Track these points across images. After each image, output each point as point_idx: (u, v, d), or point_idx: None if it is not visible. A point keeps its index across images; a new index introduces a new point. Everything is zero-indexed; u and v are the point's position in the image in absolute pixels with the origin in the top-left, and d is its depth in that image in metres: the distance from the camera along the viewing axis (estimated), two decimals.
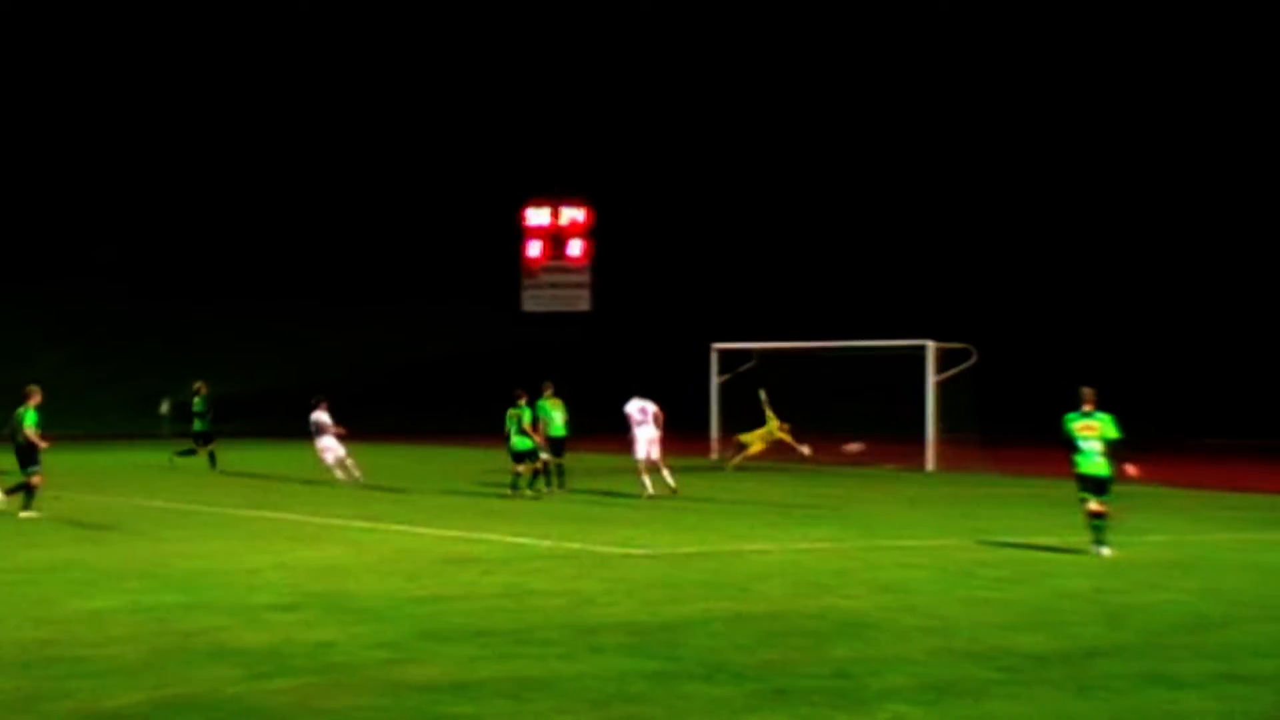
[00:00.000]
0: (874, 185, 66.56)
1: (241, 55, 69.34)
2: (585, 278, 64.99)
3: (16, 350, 56.75)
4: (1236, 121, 61.06)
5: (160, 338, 63.94)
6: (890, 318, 47.33)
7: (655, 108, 69.09)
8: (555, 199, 65.23)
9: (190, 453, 33.82)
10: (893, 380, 35.08)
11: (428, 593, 14.94)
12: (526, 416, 26.63)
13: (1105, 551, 18.06)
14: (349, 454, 29.36)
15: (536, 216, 65.30)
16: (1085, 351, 52.39)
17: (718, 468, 34.18)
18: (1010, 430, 38.86)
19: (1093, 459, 18.28)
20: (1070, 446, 18.39)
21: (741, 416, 36.09)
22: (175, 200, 69.01)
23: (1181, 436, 46.37)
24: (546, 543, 19.40)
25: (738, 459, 33.74)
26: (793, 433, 33.26)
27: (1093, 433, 18.30)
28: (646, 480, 26.15)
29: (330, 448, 29.24)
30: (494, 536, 20.14)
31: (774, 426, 33.20)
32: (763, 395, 33.33)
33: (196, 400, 34.40)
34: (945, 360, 35.25)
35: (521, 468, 26.72)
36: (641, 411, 26.39)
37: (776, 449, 33.64)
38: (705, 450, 37.22)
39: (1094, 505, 18.30)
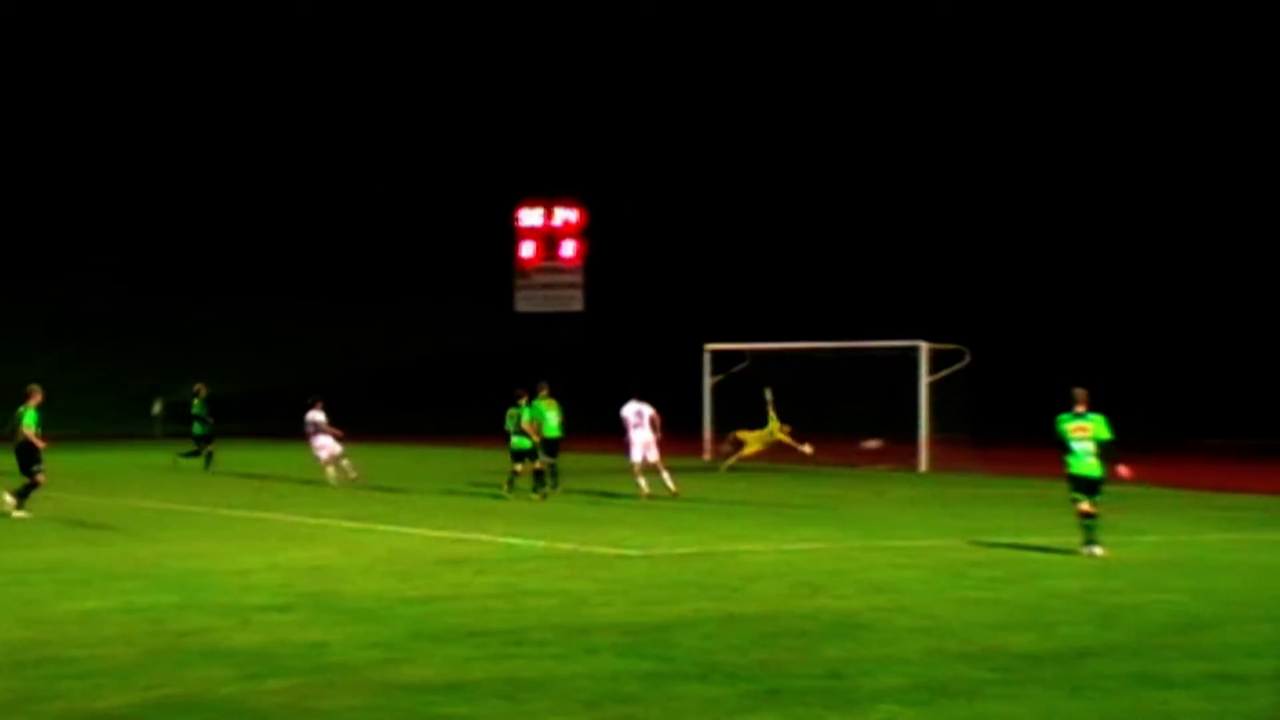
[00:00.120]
0: (867, 186, 66.62)
1: (234, 55, 69.29)
2: (578, 278, 64.99)
3: (14, 350, 56.68)
4: (1229, 122, 61.18)
5: (155, 338, 63.90)
6: (883, 318, 47.38)
7: (648, 108, 69.11)
8: (548, 199, 65.22)
9: (194, 454, 33.61)
10: (886, 381, 35.11)
11: (421, 593, 14.94)
12: (526, 415, 26.66)
13: (1097, 551, 18.09)
14: (345, 454, 29.39)
15: (530, 217, 65.29)
16: (1077, 352, 52.47)
17: (711, 468, 34.18)
18: (1003, 431, 38.92)
19: (1084, 460, 18.32)
20: (1063, 447, 18.43)
21: (735, 417, 36.11)
22: (172, 201, 68.95)
23: (1173, 437, 46.45)
24: (540, 543, 19.40)
25: (733, 459, 33.75)
26: (791, 434, 33.27)
27: (1085, 434, 18.34)
28: (642, 481, 26.15)
29: (325, 446, 29.29)
30: (487, 537, 20.14)
31: (774, 428, 33.21)
32: (768, 395, 33.29)
33: (196, 402, 34.24)
34: (938, 361, 35.29)
35: (519, 467, 26.75)
36: (637, 415, 26.36)
37: (778, 450, 33.66)
38: (698, 451, 37.23)
39: (1085, 506, 18.34)
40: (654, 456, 26.20)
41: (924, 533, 21.05)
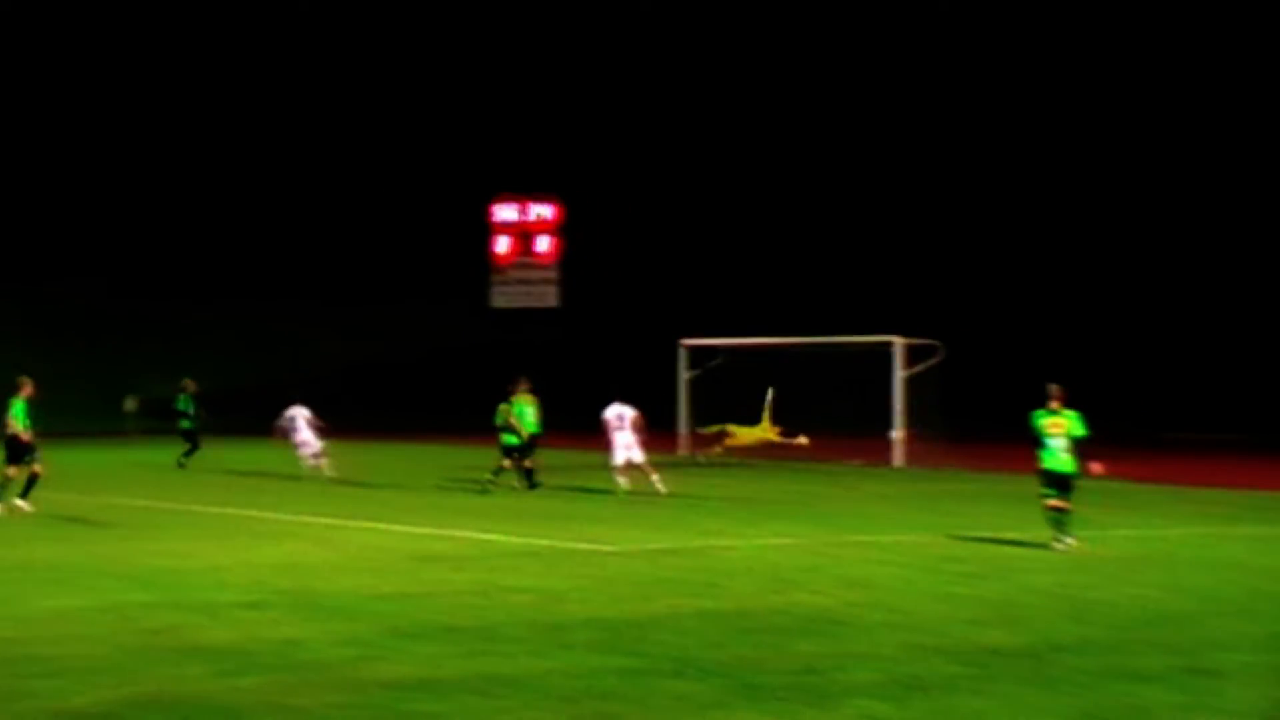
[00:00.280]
0: (842, 182, 66.72)
1: (207, 53, 68.91)
2: (553, 274, 64.90)
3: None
4: (1200, 119, 61.49)
5: (128, 335, 63.56)
6: (858, 314, 47.48)
7: (624, 103, 69.07)
8: (523, 195, 65.11)
9: (192, 450, 32.85)
10: (860, 376, 35.18)
11: (396, 590, 14.92)
12: (517, 409, 26.71)
13: (1070, 541, 18.20)
14: (325, 451, 29.47)
15: (504, 213, 65.18)
16: (1050, 348, 52.67)
17: (693, 463, 34.21)
18: (977, 426, 39.05)
19: (1058, 455, 18.41)
20: (1037, 443, 18.53)
21: (711, 413, 36.16)
22: (149, 200, 68.55)
23: (1146, 432, 46.70)
24: (516, 540, 19.39)
25: (717, 449, 33.82)
26: (783, 432, 33.34)
27: (1059, 430, 18.44)
28: (622, 480, 26.13)
29: (308, 444, 29.40)
30: (463, 533, 20.12)
31: (765, 426, 33.30)
32: (769, 396, 33.25)
33: (182, 398, 33.82)
34: (913, 356, 35.37)
35: (507, 462, 26.77)
36: (619, 418, 26.28)
37: (773, 447, 33.75)
38: (673, 447, 37.25)
39: (1054, 501, 18.44)
40: (639, 457, 26.15)
41: (899, 528, 21.12)
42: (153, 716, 9.71)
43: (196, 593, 14.67)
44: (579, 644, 12.02)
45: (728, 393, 35.76)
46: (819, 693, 10.35)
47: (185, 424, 33.42)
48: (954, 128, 65.54)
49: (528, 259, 65.08)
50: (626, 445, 26.12)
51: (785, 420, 34.15)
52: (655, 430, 28.87)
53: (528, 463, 26.88)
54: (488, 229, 65.25)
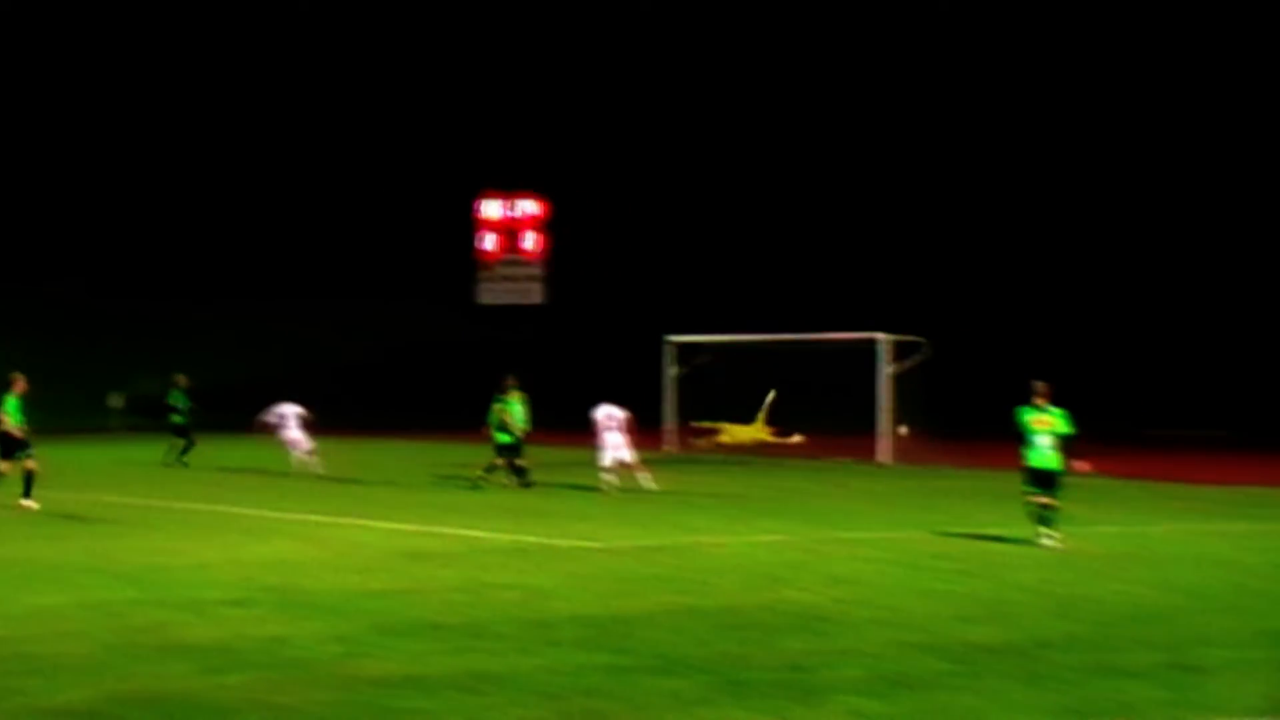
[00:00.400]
0: (828, 179, 66.77)
1: (182, 51, 68.67)
2: (540, 270, 64.82)
3: None
4: (1181, 120, 61.65)
5: (113, 332, 63.37)
6: (844, 310, 47.53)
7: (610, 100, 69.03)
8: (509, 192, 65.01)
9: (189, 447, 32.73)
10: (847, 373, 35.25)
11: (382, 587, 14.90)
12: (512, 408, 26.71)
13: (1055, 536, 18.26)
14: (314, 448, 29.60)
15: (491, 209, 65.09)
16: (1035, 345, 52.78)
17: (692, 449, 34.25)
18: (963, 423, 39.13)
19: (1043, 453, 18.47)
20: (1024, 440, 18.58)
21: (697, 409, 36.23)
22: (132, 198, 68.30)
23: (1130, 429, 46.84)
24: (504, 537, 19.38)
25: (707, 441, 33.92)
26: (776, 432, 33.41)
27: (1045, 426, 18.49)
28: (610, 478, 26.17)
29: (298, 440, 29.53)
30: (450, 530, 20.10)
31: (760, 426, 33.38)
32: (770, 398, 33.28)
33: (174, 393, 33.61)
34: (899, 353, 35.43)
35: (500, 460, 26.76)
36: (609, 418, 26.38)
37: (762, 445, 33.83)
38: (659, 443, 37.26)
39: (1042, 499, 18.49)
40: (628, 456, 26.24)
41: (885, 525, 21.16)
42: (138, 714, 9.69)
43: (183, 590, 14.63)
44: (566, 641, 12.02)
45: (714, 389, 35.82)
46: (806, 690, 10.36)
47: (177, 419, 33.27)
48: (939, 125, 65.63)
49: (514, 255, 64.99)
50: (616, 445, 26.19)
51: (773, 417, 34.25)
52: (641, 427, 28.93)
53: (520, 461, 26.92)
54: (474, 225, 65.14)
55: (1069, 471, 18.58)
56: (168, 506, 23.57)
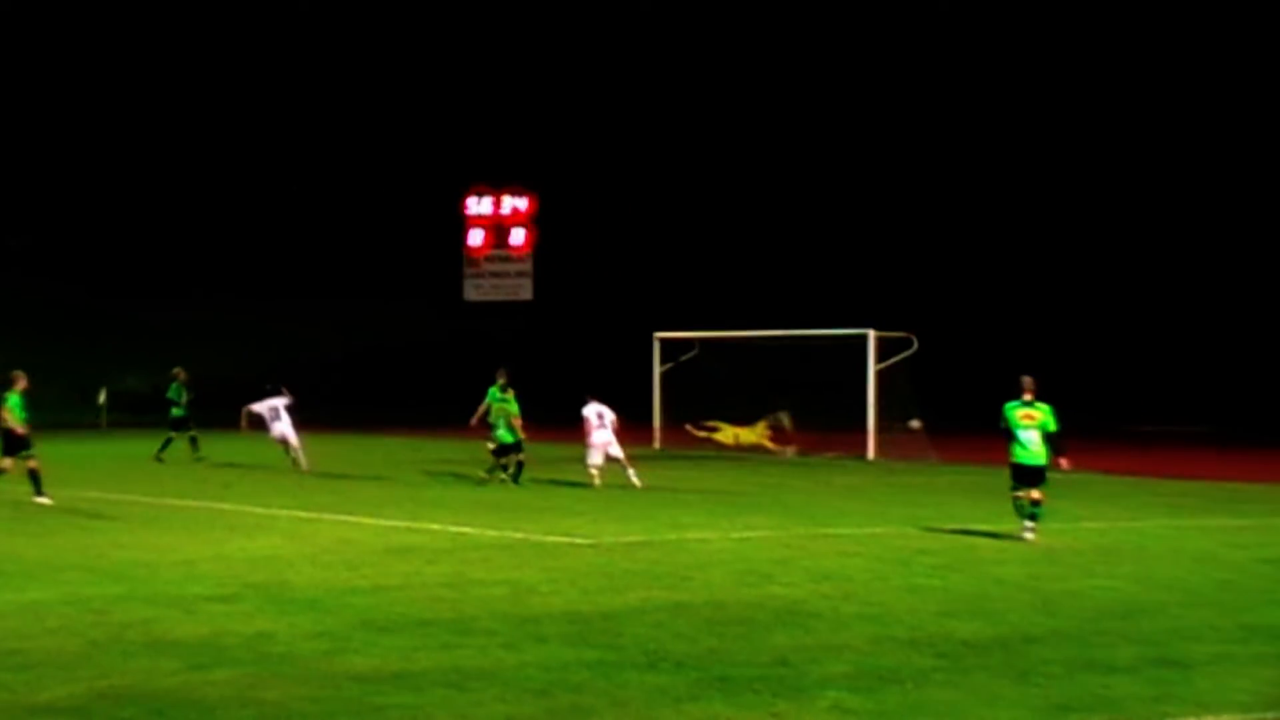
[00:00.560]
0: (816, 176, 66.83)
1: (169, 42, 68.44)
2: (528, 266, 64.75)
3: None
4: (1167, 116, 61.78)
5: (99, 329, 63.21)
6: (832, 306, 47.59)
7: (598, 95, 68.98)
8: (497, 187, 64.93)
9: (194, 441, 32.43)
10: (835, 369, 35.28)
11: (369, 583, 14.89)
12: (514, 409, 26.71)
13: (1031, 525, 18.34)
14: (302, 444, 29.66)
15: (478, 205, 65.01)
16: (1019, 341, 52.88)
17: (664, 455, 34.28)
18: (950, 419, 39.20)
19: (1029, 448, 18.51)
20: (1008, 435, 18.61)
21: (685, 406, 36.23)
22: (119, 193, 68.08)
23: (1114, 424, 46.97)
24: (490, 533, 19.37)
25: (706, 433, 33.92)
26: (774, 438, 33.41)
27: (1032, 421, 18.53)
28: (597, 474, 26.20)
29: (286, 436, 29.58)
30: (436, 526, 20.09)
31: (760, 431, 33.40)
32: (785, 418, 33.20)
33: (174, 386, 33.42)
34: (886, 349, 35.47)
35: (504, 459, 26.78)
36: (599, 417, 26.43)
37: (754, 447, 33.86)
38: (648, 440, 37.28)
39: (1034, 494, 18.53)
40: (617, 453, 26.29)
41: (871, 521, 21.19)
42: (124, 710, 9.67)
43: (169, 586, 14.61)
44: (552, 637, 12.03)
45: (702, 385, 35.83)
46: (792, 685, 10.38)
47: (177, 412, 33.14)
48: (926, 122, 65.70)
49: (502, 251, 64.92)
50: (604, 443, 26.23)
51: (760, 412, 34.30)
52: (629, 423, 28.94)
53: (520, 457, 26.96)
54: (461, 221, 65.06)
55: (1053, 467, 18.63)
56: (154, 502, 23.52)
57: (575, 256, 66.11)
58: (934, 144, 65.40)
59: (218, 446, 33.25)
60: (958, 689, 10.32)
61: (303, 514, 21.65)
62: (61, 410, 50.23)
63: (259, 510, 22.19)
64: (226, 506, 22.82)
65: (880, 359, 35.27)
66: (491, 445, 27.34)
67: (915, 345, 34.88)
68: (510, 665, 10.95)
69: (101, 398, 49.72)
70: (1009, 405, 18.64)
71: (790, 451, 33.47)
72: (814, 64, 67.01)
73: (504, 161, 65.78)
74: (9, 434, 22.53)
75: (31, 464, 22.56)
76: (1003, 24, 64.61)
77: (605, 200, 68.30)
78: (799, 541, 18.64)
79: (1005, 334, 56.73)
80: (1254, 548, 18.27)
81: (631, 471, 26.07)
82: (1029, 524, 18.42)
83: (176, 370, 33.85)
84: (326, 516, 21.34)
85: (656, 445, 37.24)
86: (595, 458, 26.27)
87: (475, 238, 65.00)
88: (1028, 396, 18.59)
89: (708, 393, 35.35)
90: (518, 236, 64.84)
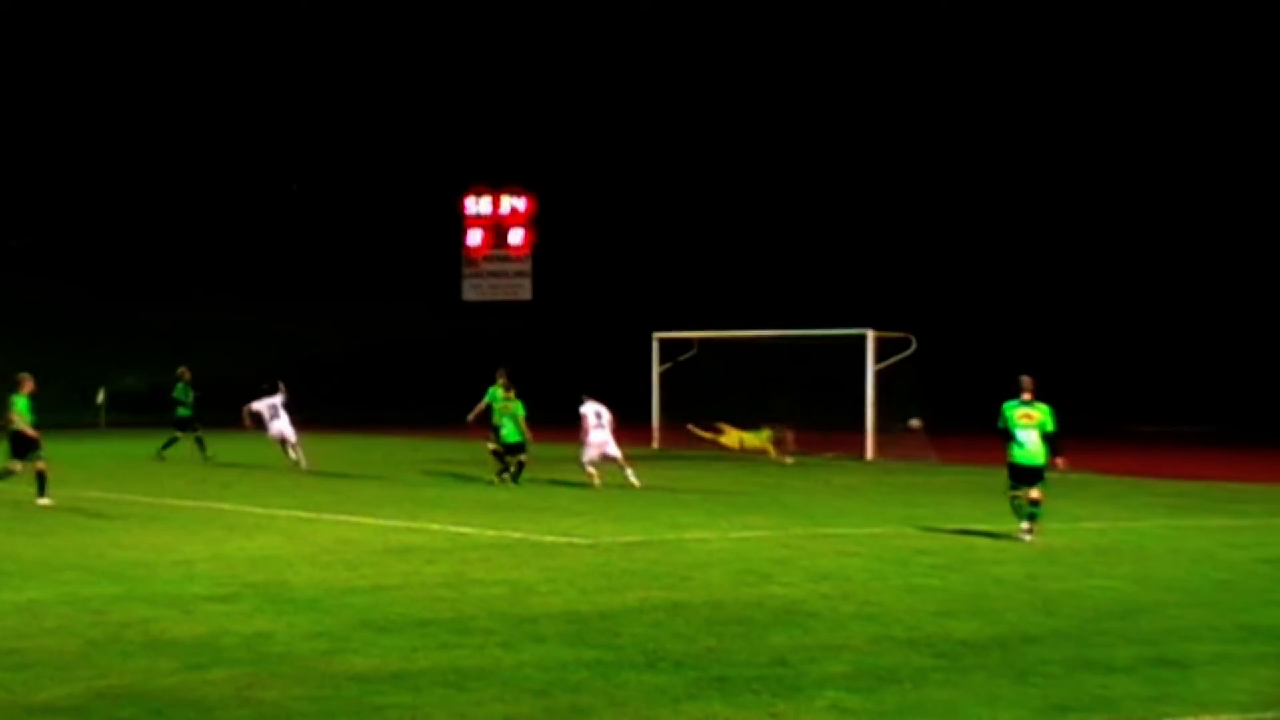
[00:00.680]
0: (814, 175, 66.84)
1: (169, 42, 68.42)
2: (527, 266, 64.74)
3: None
4: (1165, 115, 61.80)
5: (97, 328, 63.18)
6: (831, 306, 47.61)
7: (597, 95, 68.97)
8: (496, 188, 64.92)
9: (199, 442, 32.36)
10: (834, 368, 35.28)
11: (367, 582, 14.88)
12: (520, 410, 26.72)
13: (1026, 525, 18.33)
14: (300, 443, 29.71)
15: (477, 205, 64.99)
16: (1018, 341, 52.90)
17: (678, 455, 34.28)
18: (949, 418, 39.21)
19: (1026, 449, 18.49)
20: (1006, 435, 18.59)
21: (685, 406, 36.23)
22: (116, 193, 68.05)
23: (1113, 424, 46.99)
24: (489, 532, 19.37)
25: (709, 435, 33.93)
26: (777, 444, 33.44)
27: (1031, 421, 18.52)
28: (593, 471, 26.22)
29: (284, 433, 29.61)
30: (435, 526, 20.09)
31: (764, 437, 33.42)
32: (788, 434, 33.24)
33: (179, 385, 33.36)
34: (885, 349, 35.48)
35: (522, 458, 26.79)
36: (597, 416, 26.44)
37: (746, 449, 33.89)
38: (646, 439, 37.29)
39: (1032, 494, 18.52)
40: (615, 452, 26.30)
41: (869, 520, 21.19)
42: (122, 710, 9.67)
43: (168, 586, 14.61)
44: (551, 636, 12.02)
45: (701, 385, 35.83)
46: (790, 685, 10.38)
47: (183, 412, 33.11)
48: (925, 122, 65.71)
49: (501, 251, 64.90)
50: (601, 443, 26.24)
51: (758, 413, 34.28)
52: (628, 423, 28.96)
53: (523, 457, 27.01)
54: (460, 221, 65.05)
55: (1050, 467, 18.64)
56: (152, 502, 23.51)
57: (574, 256, 66.10)
58: (933, 144, 65.40)
59: (218, 446, 33.25)
60: (956, 689, 10.32)
61: (302, 514, 21.65)
62: (60, 410, 50.21)
63: (258, 510, 22.18)
64: (225, 506, 22.82)
65: (879, 359, 35.27)
66: (492, 445, 27.40)
67: (914, 345, 34.88)
68: (509, 665, 10.94)
69: (100, 397, 49.70)
70: (1008, 405, 18.64)
71: (791, 459, 33.54)
72: (813, 64, 67.02)
73: (503, 161, 65.76)
74: (19, 436, 22.66)
75: (39, 465, 22.66)
76: (1002, 24, 64.61)
77: (604, 200, 68.29)
78: (797, 541, 18.64)
79: (1005, 334, 56.74)
80: (1253, 548, 18.28)
81: (630, 471, 26.08)
82: (1024, 526, 18.42)
83: (181, 370, 33.78)
84: (325, 516, 21.34)
85: (655, 445, 37.25)
86: (591, 455, 26.28)
87: (474, 238, 64.97)
88: (1027, 396, 18.59)
89: (706, 393, 35.35)
90: (516, 236, 64.81)
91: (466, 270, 65.08)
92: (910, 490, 26.70)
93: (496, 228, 65.01)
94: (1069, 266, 62.38)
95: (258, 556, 16.86)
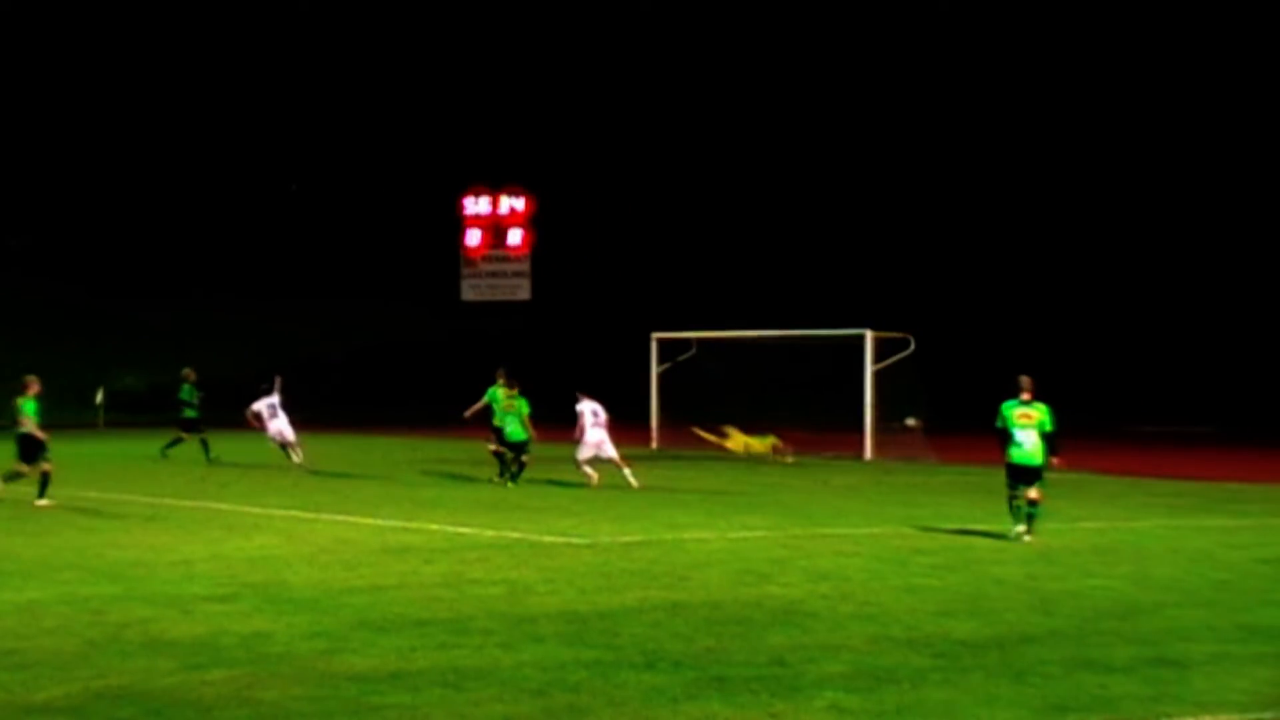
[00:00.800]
0: (813, 175, 66.84)
1: (169, 42, 68.40)
2: (525, 266, 64.73)
3: None
4: (1165, 115, 61.81)
5: (96, 329, 63.17)
6: (830, 306, 47.61)
7: (596, 95, 68.97)
8: (495, 188, 64.92)
9: (204, 444, 32.33)
10: (833, 368, 35.28)
11: (366, 582, 14.88)
12: (525, 408, 26.71)
13: (1022, 527, 18.33)
14: (298, 442, 29.75)
15: (475, 205, 64.99)
16: (1017, 341, 52.91)
17: (660, 455, 34.30)
18: (948, 418, 39.22)
19: (1025, 448, 18.49)
20: (1005, 435, 18.59)
21: (683, 406, 36.23)
22: (112, 193, 68.02)
23: (1111, 424, 46.99)
24: (487, 532, 19.37)
25: (714, 438, 33.99)
26: (776, 447, 33.47)
27: (1030, 420, 18.52)
28: (589, 470, 26.24)
29: (282, 432, 29.65)
30: (433, 526, 20.09)
31: (766, 443, 33.47)
32: (789, 455, 33.30)
33: (185, 387, 33.30)
34: (884, 349, 35.48)
35: (526, 458, 26.78)
36: (594, 414, 26.46)
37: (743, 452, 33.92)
38: (645, 440, 37.29)
39: (1031, 494, 18.52)
40: (611, 453, 26.30)
41: (868, 520, 21.19)
42: (121, 710, 9.67)
43: (166, 586, 14.61)
44: (549, 636, 12.03)
45: (700, 385, 35.84)
46: (789, 685, 10.38)
47: (189, 413, 33.07)
48: (924, 122, 65.71)
49: (499, 251, 64.89)
50: (598, 442, 26.25)
51: (756, 414, 34.28)
52: (627, 423, 28.97)
53: (525, 457, 27.01)
54: (459, 222, 65.04)
55: (1047, 466, 18.64)
56: (151, 502, 23.51)
57: (573, 257, 66.10)
58: (932, 144, 65.41)
59: (218, 446, 33.24)
60: (955, 689, 10.32)
61: (300, 514, 21.65)
62: (59, 410, 50.19)
63: (256, 510, 22.18)
64: (224, 506, 22.82)
65: (878, 359, 35.27)
66: (492, 446, 27.39)
67: (913, 345, 34.88)
68: (507, 665, 10.94)
69: (99, 397, 49.71)
70: (1006, 404, 18.63)
71: (790, 459, 33.56)
72: (812, 64, 67.02)
73: (502, 162, 65.75)
74: (27, 439, 22.75)
75: (45, 467, 22.74)
76: (1002, 24, 64.62)
77: (603, 201, 68.29)
78: (796, 541, 18.64)
79: (1004, 334, 56.75)
80: (1251, 548, 18.28)
81: (628, 471, 26.07)
82: (1020, 528, 18.42)
83: (186, 371, 33.72)
84: (324, 516, 21.34)
85: (654, 445, 37.24)
86: (586, 453, 26.28)
87: (473, 238, 64.95)
88: (1025, 396, 18.59)
89: (705, 393, 35.35)
90: (515, 237, 64.79)
91: (465, 270, 65.07)
92: (909, 490, 26.70)
93: (495, 228, 64.99)
94: (1068, 266, 62.37)
95: (256, 556, 16.86)
